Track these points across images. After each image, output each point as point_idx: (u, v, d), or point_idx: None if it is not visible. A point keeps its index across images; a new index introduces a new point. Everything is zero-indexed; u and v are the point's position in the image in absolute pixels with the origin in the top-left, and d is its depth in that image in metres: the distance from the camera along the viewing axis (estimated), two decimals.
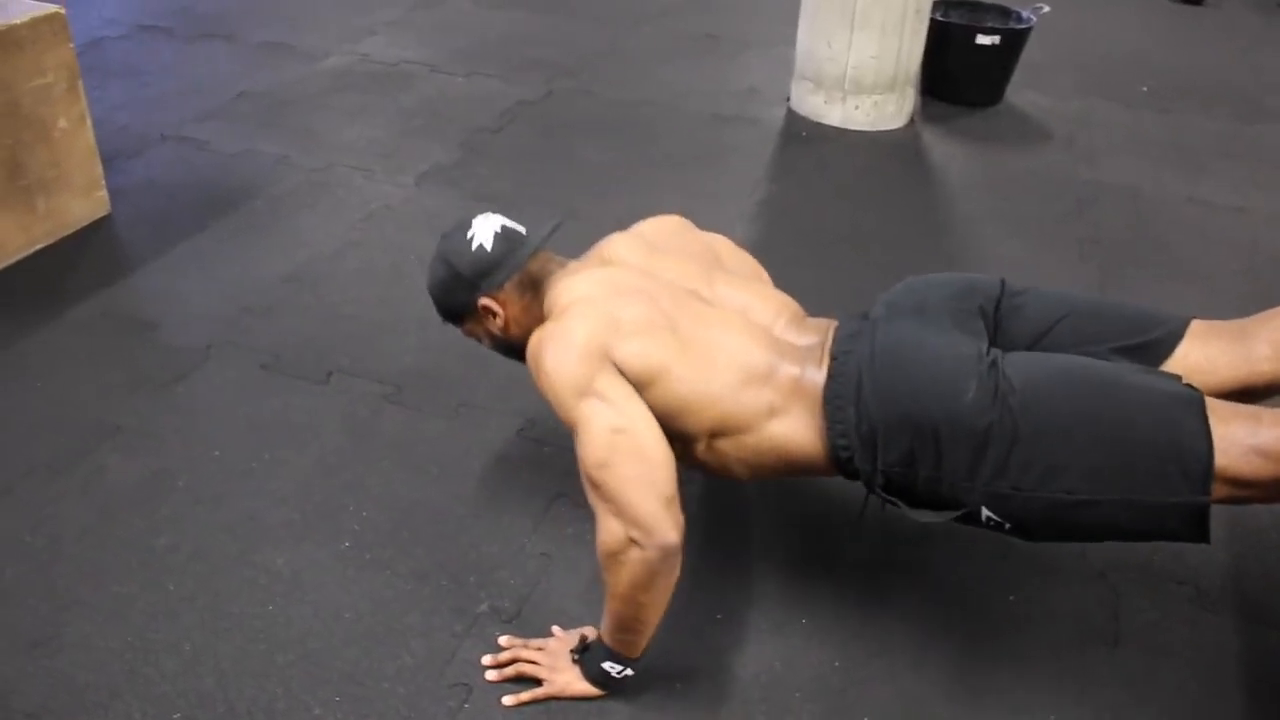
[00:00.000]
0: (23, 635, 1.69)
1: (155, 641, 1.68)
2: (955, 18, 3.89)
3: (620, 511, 1.41)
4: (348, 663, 1.66)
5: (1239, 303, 2.73)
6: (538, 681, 1.62)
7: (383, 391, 2.27)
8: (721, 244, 1.84)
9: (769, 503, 2.02)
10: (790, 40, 3.90)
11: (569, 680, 1.60)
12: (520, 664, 1.64)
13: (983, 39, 3.75)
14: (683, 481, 1.48)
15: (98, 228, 2.84)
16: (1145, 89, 4.20)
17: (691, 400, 1.51)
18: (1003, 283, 1.65)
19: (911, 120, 3.79)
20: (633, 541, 1.40)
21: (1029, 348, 1.57)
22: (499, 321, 1.67)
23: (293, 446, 2.11)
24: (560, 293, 1.62)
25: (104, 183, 2.85)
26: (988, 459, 1.40)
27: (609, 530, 1.42)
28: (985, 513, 1.45)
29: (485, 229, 1.66)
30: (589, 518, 1.91)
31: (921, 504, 1.50)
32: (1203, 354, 1.53)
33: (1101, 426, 1.38)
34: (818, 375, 1.54)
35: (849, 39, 3.53)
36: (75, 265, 2.69)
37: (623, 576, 1.42)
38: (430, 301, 1.74)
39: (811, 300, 1.94)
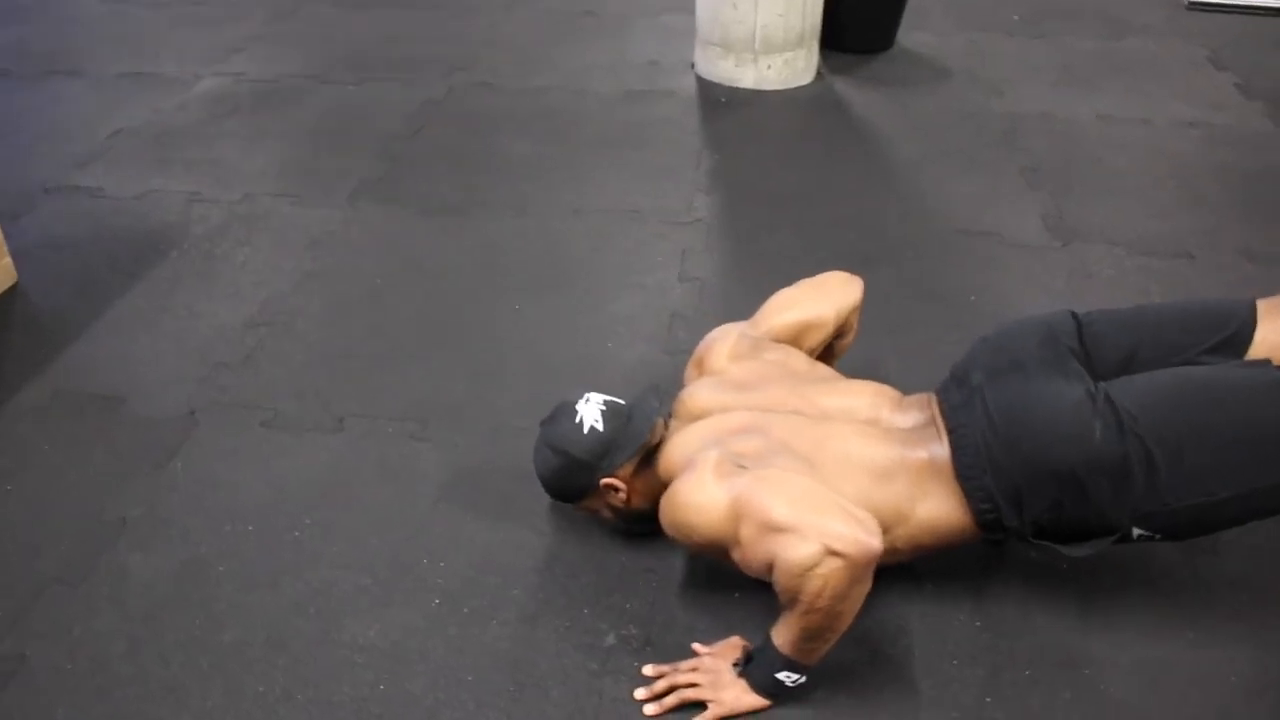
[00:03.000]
0: None
1: None
2: None
3: (813, 532, 1.36)
4: None
5: (1185, 208, 2.88)
6: (701, 704, 1.53)
7: (406, 430, 2.09)
8: (791, 353, 1.81)
9: None
10: (673, 6, 3.84)
11: (737, 695, 1.52)
12: (679, 690, 1.54)
13: None
14: None
15: (9, 300, 2.51)
16: (1016, 17, 4.35)
17: None
18: (1073, 315, 1.68)
19: (820, 74, 3.79)
20: (831, 552, 1.33)
21: (1120, 372, 1.61)
22: (621, 495, 1.68)
23: (332, 506, 1.91)
24: (673, 451, 1.65)
25: (6, 248, 2.52)
26: (1131, 486, 1.47)
27: (798, 550, 1.35)
28: (1136, 531, 1.53)
29: (591, 411, 1.67)
30: None
31: (1071, 539, 1.55)
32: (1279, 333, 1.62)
33: (1222, 429, 1.47)
34: (942, 451, 1.57)
35: None
36: (2, 345, 2.36)
37: (824, 589, 1.35)
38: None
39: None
